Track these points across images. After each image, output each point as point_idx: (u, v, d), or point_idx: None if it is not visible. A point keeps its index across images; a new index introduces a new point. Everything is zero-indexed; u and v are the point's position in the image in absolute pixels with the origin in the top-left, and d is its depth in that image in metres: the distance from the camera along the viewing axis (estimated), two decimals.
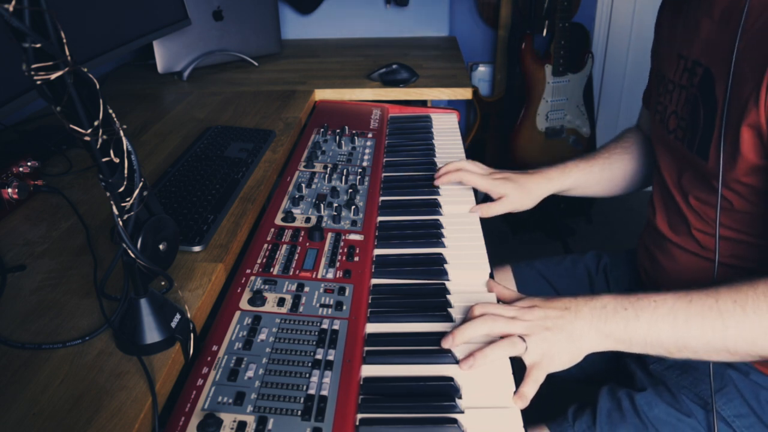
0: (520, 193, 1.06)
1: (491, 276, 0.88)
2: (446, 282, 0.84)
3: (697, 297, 0.71)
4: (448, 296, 0.81)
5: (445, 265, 0.87)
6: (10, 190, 0.92)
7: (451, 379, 0.67)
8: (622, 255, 1.18)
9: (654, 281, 1.02)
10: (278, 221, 0.94)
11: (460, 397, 0.65)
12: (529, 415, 0.68)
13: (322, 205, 0.98)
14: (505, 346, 0.71)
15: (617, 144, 1.15)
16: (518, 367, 0.72)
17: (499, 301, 0.82)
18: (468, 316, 0.76)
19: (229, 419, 0.59)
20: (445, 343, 0.72)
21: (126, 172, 0.57)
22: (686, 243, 0.94)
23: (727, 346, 0.70)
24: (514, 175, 1.08)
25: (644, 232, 1.08)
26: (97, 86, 0.51)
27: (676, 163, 0.95)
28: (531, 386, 0.70)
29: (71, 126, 0.51)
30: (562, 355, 0.73)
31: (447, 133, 1.38)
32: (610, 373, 1.06)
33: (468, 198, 1.08)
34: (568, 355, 0.73)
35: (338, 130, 1.28)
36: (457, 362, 0.70)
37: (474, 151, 2.55)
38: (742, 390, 0.85)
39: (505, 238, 2.57)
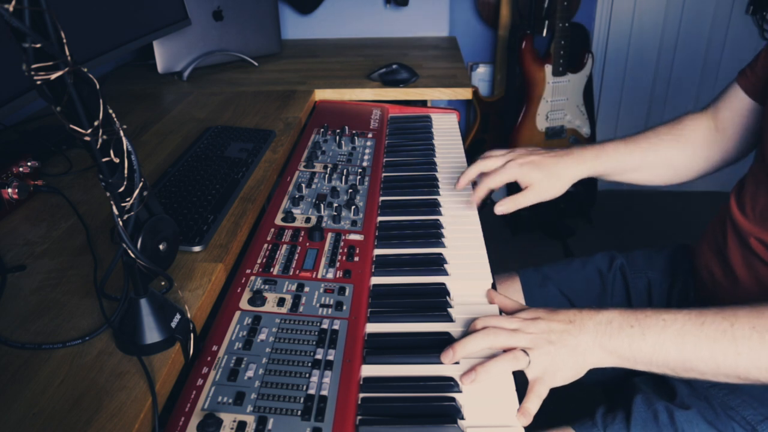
0: (549, 180, 0.95)
1: (493, 283, 0.85)
2: (446, 282, 0.84)
3: (711, 319, 0.68)
4: (447, 296, 0.81)
5: (445, 265, 0.87)
6: (10, 190, 0.92)
7: (451, 379, 0.67)
8: (639, 256, 1.11)
9: (717, 289, 0.93)
10: (278, 221, 0.94)
11: (459, 394, 0.65)
12: (538, 419, 0.67)
13: (322, 205, 0.98)
14: (508, 360, 0.69)
15: (670, 128, 1.02)
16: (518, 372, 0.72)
17: (501, 312, 0.80)
18: (469, 330, 0.74)
19: (229, 419, 0.59)
20: (445, 358, 0.70)
21: (126, 172, 0.57)
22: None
23: (738, 373, 0.67)
24: (541, 158, 0.96)
25: (716, 228, 0.97)
26: (97, 86, 0.51)
27: None
28: (534, 402, 0.68)
29: (71, 126, 0.51)
30: (565, 369, 0.71)
31: (447, 133, 1.38)
32: (621, 379, 1.03)
33: (468, 194, 1.08)
34: (571, 370, 0.71)
35: (338, 130, 1.28)
36: (457, 362, 0.70)
37: (474, 151, 2.54)
38: None
39: (505, 238, 2.57)
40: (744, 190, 0.92)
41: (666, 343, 0.68)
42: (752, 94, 0.97)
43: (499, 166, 0.96)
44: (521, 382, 0.70)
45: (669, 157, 1.01)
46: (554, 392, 0.71)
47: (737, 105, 0.99)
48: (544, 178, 0.95)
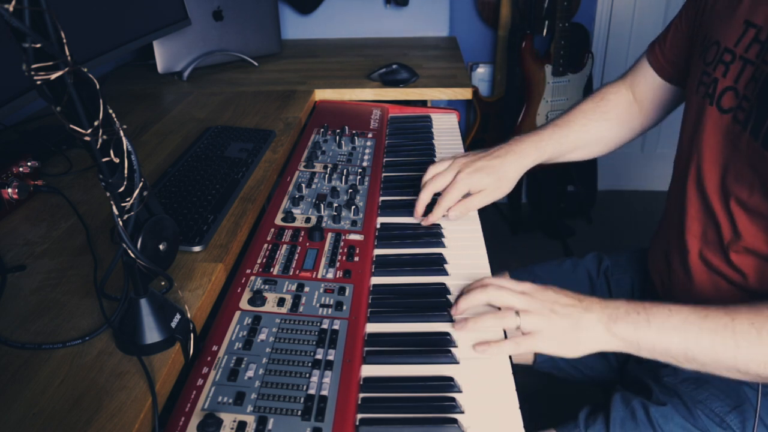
0: (499, 182, 0.97)
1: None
2: (446, 282, 0.84)
3: (714, 313, 0.70)
4: (448, 296, 0.81)
5: (445, 265, 0.87)
6: (10, 190, 0.92)
7: (451, 379, 0.67)
8: (623, 257, 1.15)
9: (669, 293, 0.96)
10: (278, 221, 0.94)
11: (460, 391, 0.65)
12: (537, 418, 0.68)
13: (322, 205, 0.98)
14: (498, 317, 0.72)
15: (596, 107, 1.07)
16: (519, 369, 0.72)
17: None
18: (475, 285, 0.77)
19: (229, 419, 0.59)
20: (453, 311, 0.75)
21: (126, 172, 0.57)
22: (714, 258, 0.85)
23: (737, 366, 0.69)
24: (484, 161, 0.97)
25: (659, 231, 1.01)
26: (97, 86, 0.51)
27: (722, 153, 0.81)
28: (508, 345, 0.71)
29: (71, 126, 0.51)
30: (559, 339, 0.72)
31: (447, 133, 1.38)
32: (613, 379, 1.05)
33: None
34: (566, 343, 0.72)
35: (338, 130, 1.28)
36: (457, 362, 0.70)
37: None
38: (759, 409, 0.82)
39: (505, 238, 2.57)
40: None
41: (669, 332, 0.70)
42: (663, 75, 1.03)
43: (449, 182, 0.96)
44: (521, 382, 0.70)
45: (599, 134, 1.07)
46: (553, 394, 0.71)
47: (651, 81, 1.05)
48: (493, 181, 0.97)
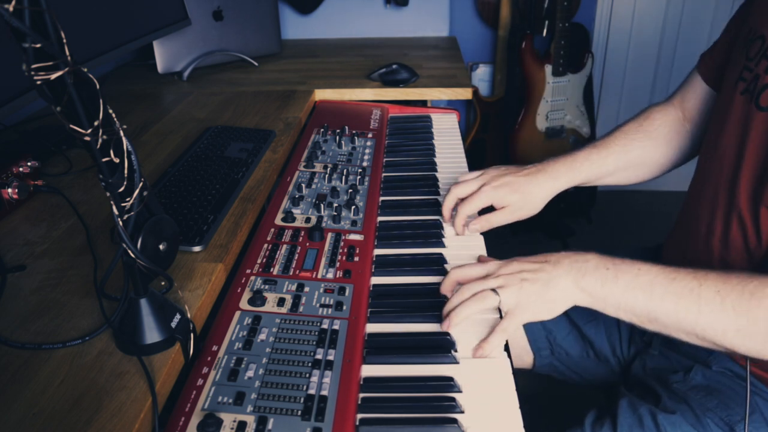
0: (524, 200, 0.94)
1: None
2: None
3: (683, 276, 0.69)
4: (448, 296, 0.81)
5: (446, 266, 0.87)
6: (10, 190, 0.92)
7: (451, 379, 0.67)
8: (625, 257, 1.13)
9: None
10: (278, 221, 0.94)
11: (460, 391, 0.65)
12: (538, 420, 0.67)
13: (322, 205, 0.98)
14: (476, 301, 0.72)
15: (640, 127, 1.00)
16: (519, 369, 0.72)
17: None
18: (440, 291, 0.79)
19: (229, 419, 0.59)
20: (444, 326, 0.74)
21: (126, 172, 0.57)
22: (736, 264, 0.81)
23: (696, 331, 0.69)
24: (514, 177, 0.94)
25: (676, 232, 0.97)
26: (97, 86, 0.51)
27: (759, 153, 0.76)
28: (497, 337, 0.70)
29: (71, 126, 0.51)
30: (536, 304, 0.72)
31: (447, 133, 1.38)
32: (614, 381, 1.04)
33: None
34: (543, 305, 0.72)
35: (338, 130, 1.28)
36: (457, 363, 0.70)
37: (474, 151, 2.54)
38: None
39: (505, 238, 2.57)
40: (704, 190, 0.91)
41: (635, 290, 0.70)
42: (710, 82, 0.96)
43: (474, 191, 0.94)
44: (521, 385, 0.70)
45: (642, 155, 1.00)
46: (553, 395, 0.71)
47: (700, 93, 0.98)
48: (519, 198, 0.94)
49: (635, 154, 0.99)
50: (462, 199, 0.95)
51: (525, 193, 0.94)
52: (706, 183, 0.88)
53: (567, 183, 0.97)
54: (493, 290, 0.73)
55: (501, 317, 0.75)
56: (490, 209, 0.95)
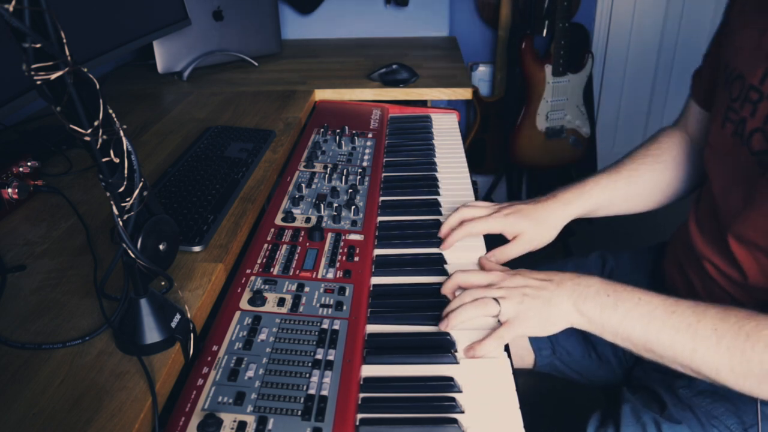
0: (538, 227, 0.92)
1: None
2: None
3: (682, 310, 0.69)
4: (449, 297, 0.81)
5: (445, 266, 0.87)
6: (10, 190, 0.92)
7: (451, 379, 0.67)
8: (626, 256, 1.11)
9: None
10: (278, 221, 0.94)
11: (460, 390, 0.65)
12: (538, 420, 0.67)
13: (322, 205, 0.98)
14: (477, 306, 0.73)
15: (648, 151, 0.99)
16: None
17: None
18: (442, 291, 0.79)
19: (229, 419, 0.59)
20: (442, 325, 0.74)
21: (126, 172, 0.57)
22: (733, 293, 0.82)
23: (691, 366, 0.69)
24: (525, 206, 0.93)
25: (674, 243, 0.97)
26: (97, 86, 0.51)
27: (749, 196, 0.77)
28: (491, 342, 0.71)
29: (71, 126, 0.51)
30: (534, 319, 0.73)
31: (447, 133, 1.38)
32: (617, 383, 1.04)
33: (468, 195, 1.08)
34: (541, 322, 0.73)
35: (338, 130, 1.28)
36: (457, 363, 0.70)
37: (474, 151, 2.54)
38: None
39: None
40: (699, 210, 0.91)
41: (634, 320, 0.70)
42: (704, 105, 0.95)
43: (484, 215, 0.92)
44: (522, 385, 0.70)
45: (652, 179, 0.99)
46: (554, 395, 0.71)
47: (699, 117, 0.97)
48: (531, 226, 0.91)
49: (645, 178, 0.98)
50: (466, 221, 0.93)
51: (536, 219, 0.92)
52: (697, 216, 0.89)
53: (578, 208, 0.95)
54: (495, 299, 0.74)
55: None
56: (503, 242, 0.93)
